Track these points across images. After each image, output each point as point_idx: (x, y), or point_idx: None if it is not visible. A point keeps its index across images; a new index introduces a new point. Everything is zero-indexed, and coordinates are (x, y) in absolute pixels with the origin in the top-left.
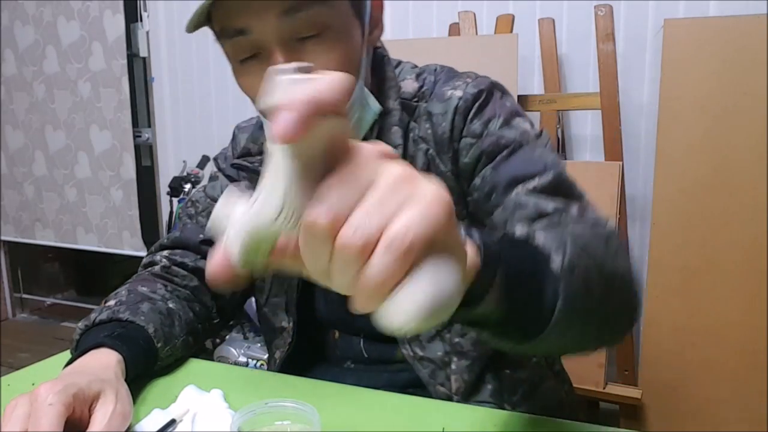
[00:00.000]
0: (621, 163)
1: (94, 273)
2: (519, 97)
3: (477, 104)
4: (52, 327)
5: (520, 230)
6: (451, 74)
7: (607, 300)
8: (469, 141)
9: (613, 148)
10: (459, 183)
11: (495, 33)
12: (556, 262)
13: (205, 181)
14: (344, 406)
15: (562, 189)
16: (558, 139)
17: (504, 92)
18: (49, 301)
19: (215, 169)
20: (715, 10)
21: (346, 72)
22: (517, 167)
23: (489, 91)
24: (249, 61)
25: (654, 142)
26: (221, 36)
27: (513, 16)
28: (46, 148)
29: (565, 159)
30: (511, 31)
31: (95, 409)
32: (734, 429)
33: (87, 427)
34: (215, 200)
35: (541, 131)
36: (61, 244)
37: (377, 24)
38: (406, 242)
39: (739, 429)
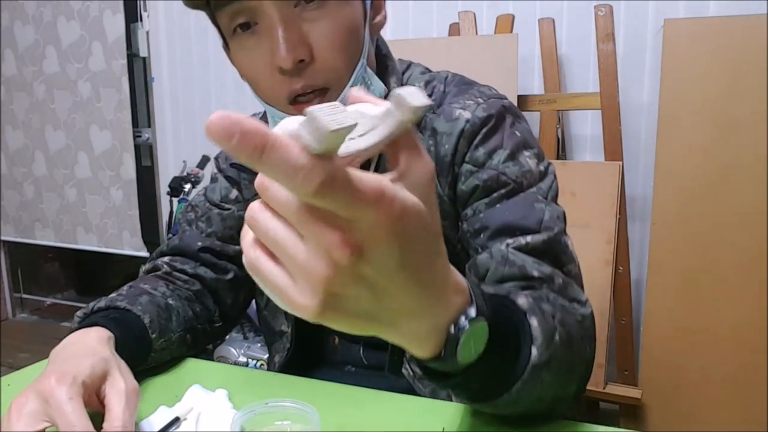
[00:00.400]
0: (621, 163)
1: (94, 273)
2: (519, 97)
3: (484, 130)
4: (52, 327)
5: (522, 301)
6: (462, 87)
7: (565, 386)
8: (470, 168)
9: (613, 148)
10: (455, 208)
11: (495, 33)
12: (534, 354)
13: (205, 181)
14: (344, 407)
15: (552, 253)
16: (558, 139)
17: (516, 117)
18: (49, 301)
19: (215, 170)
20: (715, 10)
21: (349, 46)
22: (512, 215)
23: (499, 117)
24: (245, 34)
25: (654, 142)
26: (216, 7)
27: (513, 16)
28: (46, 148)
29: (565, 159)
30: (511, 31)
31: (106, 391)
32: (734, 429)
33: (97, 408)
34: (215, 204)
35: (547, 168)
36: (61, 244)
37: (379, 11)
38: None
39: (739, 429)
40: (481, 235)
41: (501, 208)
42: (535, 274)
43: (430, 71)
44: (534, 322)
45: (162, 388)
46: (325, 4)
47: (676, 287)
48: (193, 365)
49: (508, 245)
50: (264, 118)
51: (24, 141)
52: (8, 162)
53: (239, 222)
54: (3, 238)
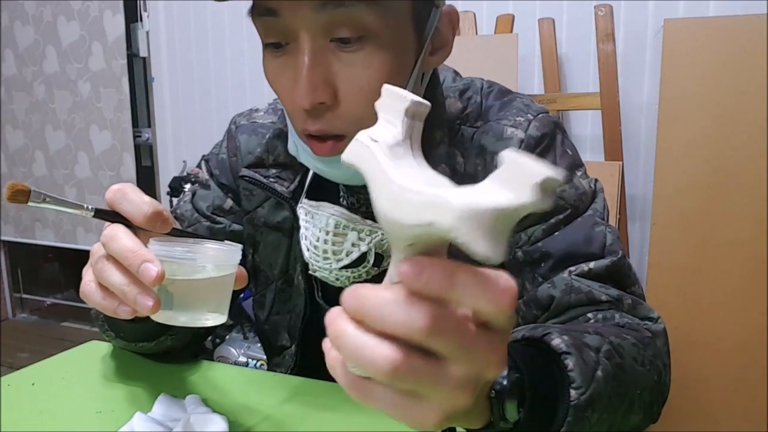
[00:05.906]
0: (621, 163)
1: None
2: None
3: (538, 150)
4: (52, 327)
5: (556, 342)
6: (503, 99)
7: (625, 418)
8: None
9: (613, 148)
10: None
11: (495, 33)
12: (574, 395)
13: None
14: (345, 407)
15: (616, 277)
16: None
17: (564, 134)
18: (49, 301)
19: (207, 175)
20: (715, 10)
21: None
22: (573, 242)
23: (552, 135)
24: (276, 49)
25: (654, 142)
26: (252, 12)
27: (513, 16)
28: (46, 148)
29: None
30: (511, 31)
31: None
32: (734, 429)
33: None
34: (205, 216)
35: (596, 185)
36: (61, 244)
37: (445, 44)
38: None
39: (739, 429)
40: (542, 265)
41: (561, 234)
42: (603, 298)
43: (459, 75)
44: (570, 363)
45: (162, 387)
46: (365, 47)
47: (676, 287)
48: (193, 365)
49: (570, 272)
50: (277, 135)
51: (24, 141)
52: (8, 162)
53: (230, 237)
54: (3, 238)
